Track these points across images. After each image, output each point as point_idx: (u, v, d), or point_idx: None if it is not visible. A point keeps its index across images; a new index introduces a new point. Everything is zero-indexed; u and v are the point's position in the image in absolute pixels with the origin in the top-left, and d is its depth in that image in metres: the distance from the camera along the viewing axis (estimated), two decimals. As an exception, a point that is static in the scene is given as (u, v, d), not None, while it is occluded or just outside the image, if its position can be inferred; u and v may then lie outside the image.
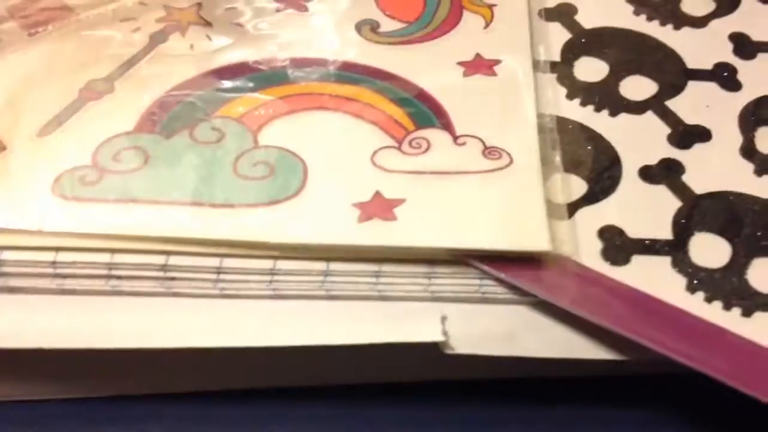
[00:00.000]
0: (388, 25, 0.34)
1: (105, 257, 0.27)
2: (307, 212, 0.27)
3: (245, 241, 0.27)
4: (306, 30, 0.34)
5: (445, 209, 0.27)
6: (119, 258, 0.27)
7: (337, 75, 0.32)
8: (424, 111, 0.30)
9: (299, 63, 0.32)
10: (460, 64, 0.32)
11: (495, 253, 0.26)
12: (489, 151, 0.29)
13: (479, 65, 0.32)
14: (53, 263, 0.26)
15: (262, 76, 0.32)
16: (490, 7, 0.35)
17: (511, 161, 0.29)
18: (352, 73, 0.32)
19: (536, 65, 0.32)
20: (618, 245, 0.27)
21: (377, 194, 0.28)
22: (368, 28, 0.34)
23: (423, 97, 0.31)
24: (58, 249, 0.26)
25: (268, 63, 0.32)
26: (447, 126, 0.30)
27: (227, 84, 0.31)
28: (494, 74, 0.32)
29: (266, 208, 0.27)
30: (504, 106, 0.31)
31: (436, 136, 0.30)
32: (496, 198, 0.28)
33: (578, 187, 0.29)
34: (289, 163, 0.29)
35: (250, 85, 0.31)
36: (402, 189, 0.28)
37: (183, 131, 0.29)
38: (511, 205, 0.27)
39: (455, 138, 0.29)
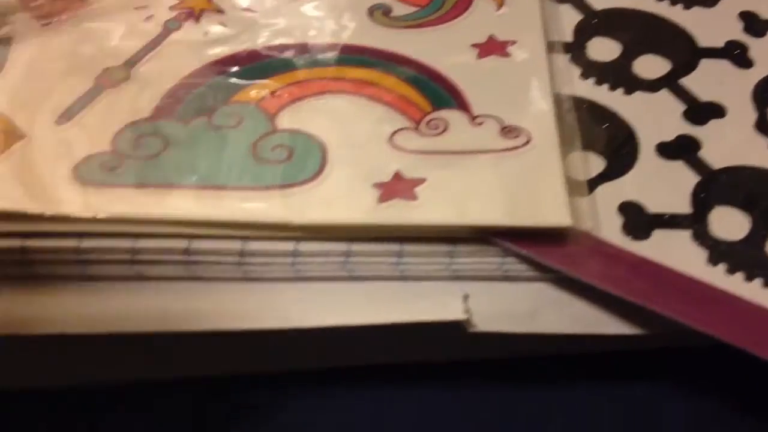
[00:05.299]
0: (400, 9, 0.34)
1: (127, 242, 0.27)
2: (327, 193, 0.27)
3: (267, 223, 0.27)
4: (319, 15, 0.34)
5: (465, 188, 0.28)
6: (142, 243, 0.27)
7: (351, 59, 0.32)
8: (440, 92, 0.30)
9: (313, 49, 0.32)
10: (474, 46, 0.32)
11: (517, 229, 0.27)
12: (507, 130, 0.29)
13: (493, 47, 0.32)
14: (77, 249, 0.26)
15: (276, 63, 0.32)
16: None
17: (530, 139, 0.29)
18: (366, 57, 0.32)
19: (550, 46, 0.32)
20: (638, 220, 0.28)
21: (397, 174, 0.28)
22: (380, 13, 0.34)
23: (438, 79, 0.31)
24: (81, 235, 0.26)
25: (282, 49, 0.32)
26: (464, 106, 0.30)
27: (242, 70, 0.31)
28: (508, 55, 0.32)
29: (286, 190, 0.27)
30: (519, 86, 0.31)
31: (453, 116, 0.30)
32: (516, 175, 0.28)
33: (597, 164, 0.29)
34: (308, 146, 0.29)
35: (265, 71, 0.31)
36: (422, 169, 0.28)
37: (201, 117, 0.29)
38: (532, 182, 0.27)
39: (473, 118, 0.30)
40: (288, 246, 0.27)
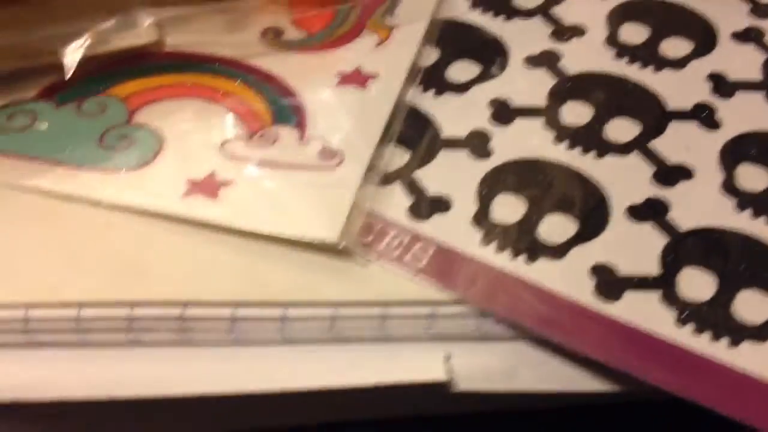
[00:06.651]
0: (292, 33, 0.37)
1: (72, 311, 0.28)
2: (146, 183, 0.31)
3: (83, 197, 0.30)
4: (216, 29, 0.36)
5: (264, 196, 0.30)
6: (86, 312, 0.28)
7: (226, 71, 0.35)
8: (287, 111, 0.33)
9: (198, 58, 0.36)
10: (339, 74, 0.35)
11: (291, 239, 0.29)
12: (325, 152, 0.32)
13: (355, 78, 0.35)
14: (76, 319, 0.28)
15: (162, 65, 0.35)
16: (390, 28, 0.37)
17: (340, 163, 0.31)
18: (238, 71, 0.35)
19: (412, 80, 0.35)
20: (609, 282, 0.29)
21: (211, 174, 0.31)
22: (272, 35, 0.37)
23: (293, 99, 0.34)
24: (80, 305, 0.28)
25: (170, 55, 0.36)
26: (301, 125, 0.33)
27: (126, 69, 0.35)
28: (365, 87, 0.34)
29: (117, 173, 0.31)
30: (360, 116, 0.33)
31: (286, 132, 0.33)
32: (310, 192, 0.31)
33: (569, 227, 0.30)
34: (148, 140, 0.32)
35: (148, 71, 0.35)
36: (234, 173, 0.31)
37: (73, 103, 0.33)
38: (322, 201, 0.30)
39: (302, 137, 0.32)
40: (276, 312, 0.28)
